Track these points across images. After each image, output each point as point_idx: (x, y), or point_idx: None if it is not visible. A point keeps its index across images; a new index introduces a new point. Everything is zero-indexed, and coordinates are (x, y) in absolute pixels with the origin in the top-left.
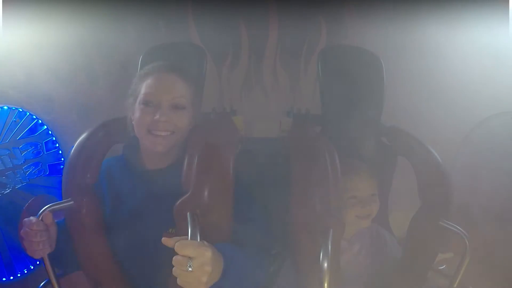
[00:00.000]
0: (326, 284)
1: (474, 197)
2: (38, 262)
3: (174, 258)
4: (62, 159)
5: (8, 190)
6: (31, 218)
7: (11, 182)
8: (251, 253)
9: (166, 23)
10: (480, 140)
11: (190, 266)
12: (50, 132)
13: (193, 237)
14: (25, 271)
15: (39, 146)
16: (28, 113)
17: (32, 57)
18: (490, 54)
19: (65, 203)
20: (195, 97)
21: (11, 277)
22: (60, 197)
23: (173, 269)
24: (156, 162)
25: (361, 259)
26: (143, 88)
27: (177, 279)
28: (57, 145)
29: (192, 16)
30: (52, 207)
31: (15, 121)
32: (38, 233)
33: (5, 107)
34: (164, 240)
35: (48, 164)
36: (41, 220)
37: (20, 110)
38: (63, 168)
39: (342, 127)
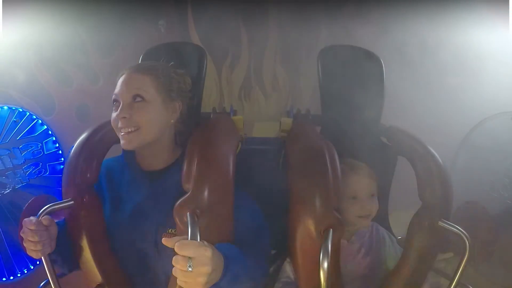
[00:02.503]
0: (326, 284)
1: (474, 197)
2: (38, 262)
3: (174, 258)
4: (62, 159)
5: (8, 190)
6: (31, 218)
7: (11, 182)
8: (251, 253)
9: (166, 23)
10: (480, 140)
11: (190, 266)
12: (50, 132)
13: (193, 237)
14: (25, 271)
15: (39, 146)
16: (28, 113)
17: (32, 57)
18: (490, 54)
19: (65, 203)
20: (166, 92)
21: (11, 277)
22: (60, 197)
23: (173, 269)
24: (151, 162)
25: (361, 259)
26: None
27: (177, 279)
28: (57, 145)
29: (192, 16)
30: (52, 207)
31: (15, 121)
32: (38, 233)
33: (5, 107)
34: (164, 240)
35: (48, 164)
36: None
37: (20, 110)
38: (63, 168)
39: (342, 127)
